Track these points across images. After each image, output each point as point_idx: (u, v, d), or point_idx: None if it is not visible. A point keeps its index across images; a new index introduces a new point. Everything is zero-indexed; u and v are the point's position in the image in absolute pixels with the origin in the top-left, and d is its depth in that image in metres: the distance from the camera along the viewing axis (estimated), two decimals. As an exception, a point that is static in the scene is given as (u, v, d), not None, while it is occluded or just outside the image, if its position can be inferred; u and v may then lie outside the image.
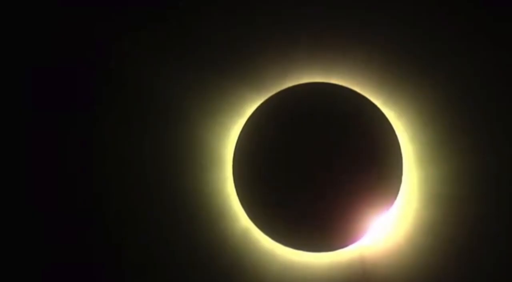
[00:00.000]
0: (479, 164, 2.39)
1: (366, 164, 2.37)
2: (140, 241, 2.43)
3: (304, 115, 2.41)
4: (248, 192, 2.40)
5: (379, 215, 2.36)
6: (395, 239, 2.40)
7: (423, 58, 2.43)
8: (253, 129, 2.42)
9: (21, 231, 2.44)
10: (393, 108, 2.43)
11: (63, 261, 2.43)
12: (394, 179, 2.38)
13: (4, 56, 2.49)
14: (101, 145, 2.46)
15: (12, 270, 2.43)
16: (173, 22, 2.49)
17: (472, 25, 2.43)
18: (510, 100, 2.41)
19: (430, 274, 2.38)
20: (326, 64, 2.45)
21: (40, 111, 2.47)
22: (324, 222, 2.35)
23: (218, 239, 2.42)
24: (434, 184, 2.41)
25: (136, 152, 2.46)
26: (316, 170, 2.37)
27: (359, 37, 2.44)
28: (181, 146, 2.45)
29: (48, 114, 2.47)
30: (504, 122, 2.40)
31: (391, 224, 2.40)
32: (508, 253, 2.37)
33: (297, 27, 2.45)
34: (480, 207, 2.38)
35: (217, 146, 2.44)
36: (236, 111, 2.45)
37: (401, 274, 2.39)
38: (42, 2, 2.48)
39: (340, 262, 2.40)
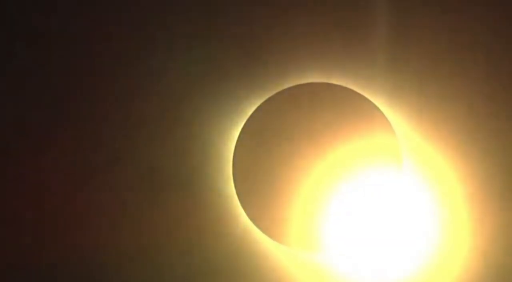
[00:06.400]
0: (481, 164, 2.40)
1: (365, 165, 2.37)
2: (137, 241, 2.43)
3: (304, 115, 2.41)
4: (248, 192, 2.40)
5: (379, 215, 2.37)
6: (395, 240, 2.40)
7: (424, 59, 2.44)
8: (253, 129, 2.42)
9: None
10: (393, 109, 2.43)
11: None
12: (394, 180, 2.38)
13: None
14: (99, 143, 2.46)
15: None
16: (173, 21, 2.49)
17: (475, 26, 2.44)
18: None
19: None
20: (326, 64, 2.45)
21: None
22: (325, 223, 2.35)
23: (217, 239, 2.42)
24: (434, 184, 2.41)
25: (135, 152, 2.46)
26: (316, 170, 2.37)
27: (360, 37, 2.45)
28: (180, 146, 2.45)
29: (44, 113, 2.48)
30: (507, 122, 2.41)
31: (391, 225, 2.40)
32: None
33: (297, 27, 2.46)
34: (483, 206, 2.39)
35: (217, 146, 2.44)
36: (236, 111, 2.45)
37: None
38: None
39: (341, 263, 2.40)
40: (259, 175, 2.39)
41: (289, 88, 2.44)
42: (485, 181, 2.40)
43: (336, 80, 2.44)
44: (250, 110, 2.43)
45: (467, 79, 2.43)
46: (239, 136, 2.43)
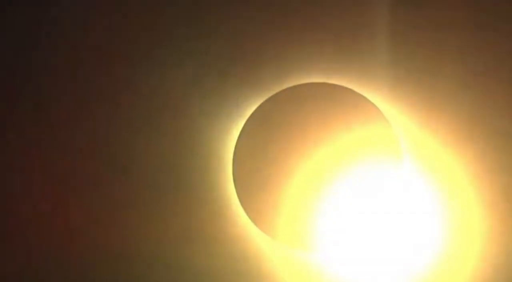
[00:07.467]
0: (481, 165, 2.40)
1: (366, 164, 2.37)
2: (136, 241, 2.43)
3: (304, 115, 2.41)
4: (248, 192, 2.40)
5: (380, 216, 2.37)
6: (396, 238, 2.41)
7: (423, 58, 2.44)
8: (253, 130, 2.42)
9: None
10: (392, 108, 2.44)
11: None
12: (394, 179, 2.38)
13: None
14: (99, 144, 2.46)
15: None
16: (172, 21, 2.49)
17: (475, 23, 2.44)
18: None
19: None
20: (326, 64, 2.45)
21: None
22: (326, 222, 2.36)
23: (217, 239, 2.42)
24: (434, 183, 2.42)
25: (135, 152, 2.46)
26: (317, 170, 2.37)
27: (359, 37, 2.45)
28: (180, 146, 2.45)
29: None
30: (506, 119, 2.41)
31: (391, 226, 2.40)
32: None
33: (297, 27, 2.46)
34: (484, 205, 2.39)
35: (217, 146, 2.44)
36: (236, 111, 2.45)
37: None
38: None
39: (341, 262, 2.40)
40: (259, 175, 2.39)
41: (289, 88, 2.44)
42: (490, 177, 2.40)
43: (336, 80, 2.45)
44: (250, 110, 2.43)
45: (467, 76, 2.44)
46: (239, 136, 2.43)
